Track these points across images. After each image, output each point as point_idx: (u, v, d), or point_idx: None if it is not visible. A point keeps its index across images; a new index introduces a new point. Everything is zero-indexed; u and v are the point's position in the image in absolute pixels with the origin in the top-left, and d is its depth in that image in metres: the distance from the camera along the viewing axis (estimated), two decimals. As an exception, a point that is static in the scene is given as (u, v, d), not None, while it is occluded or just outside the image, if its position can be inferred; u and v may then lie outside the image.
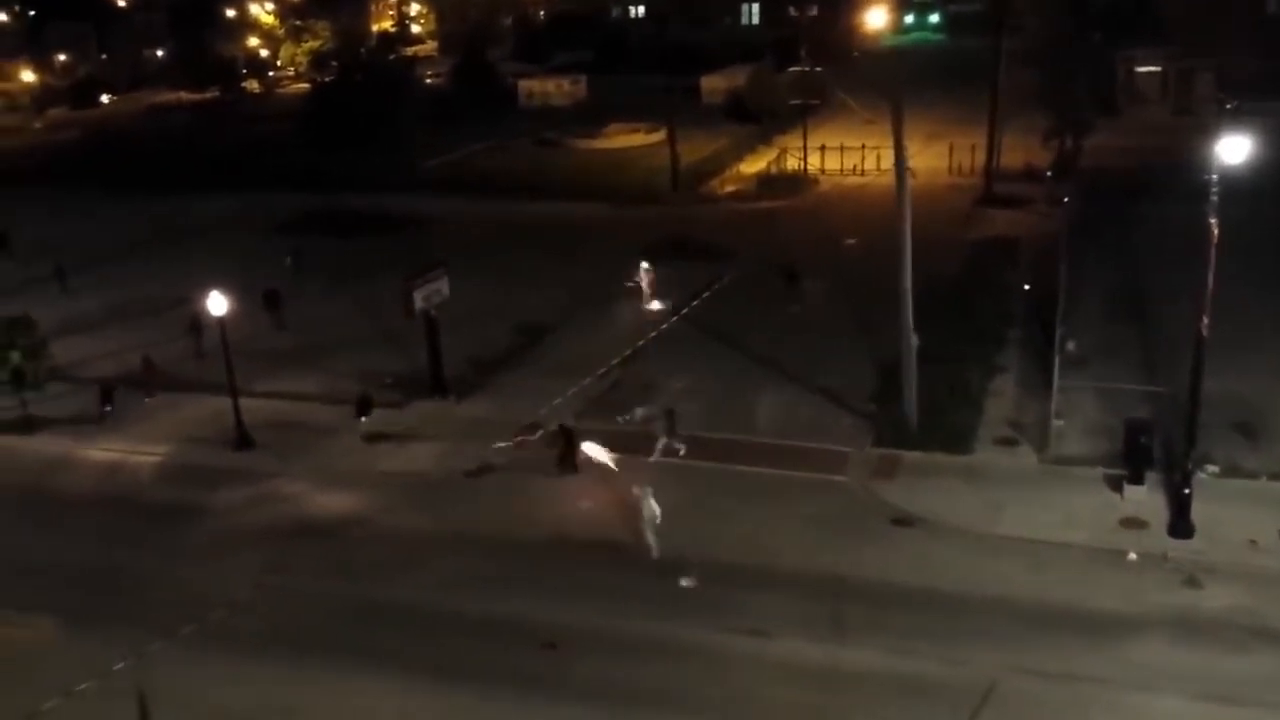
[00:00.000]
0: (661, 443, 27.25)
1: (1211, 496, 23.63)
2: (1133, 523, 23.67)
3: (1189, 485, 23.15)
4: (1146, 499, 24.27)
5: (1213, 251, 21.84)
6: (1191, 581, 21.56)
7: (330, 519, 25.42)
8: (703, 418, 29.03)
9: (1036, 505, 24.44)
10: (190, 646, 20.85)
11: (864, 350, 32.41)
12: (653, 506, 22.93)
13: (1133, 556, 22.54)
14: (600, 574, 22.60)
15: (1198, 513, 23.01)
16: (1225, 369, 25.55)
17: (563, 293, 39.01)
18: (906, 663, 19.55)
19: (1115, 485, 24.85)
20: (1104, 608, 20.81)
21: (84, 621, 21.76)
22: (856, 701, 18.72)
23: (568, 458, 26.88)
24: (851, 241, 43.56)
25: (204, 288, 29.09)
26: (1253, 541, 22.49)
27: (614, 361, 33.02)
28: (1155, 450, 24.79)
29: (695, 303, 37.60)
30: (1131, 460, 24.75)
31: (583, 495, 25.61)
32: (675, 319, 36.41)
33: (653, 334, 35.10)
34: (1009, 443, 27.43)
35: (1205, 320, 22.40)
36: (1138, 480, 24.61)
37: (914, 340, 27.69)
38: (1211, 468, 25.07)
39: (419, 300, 30.40)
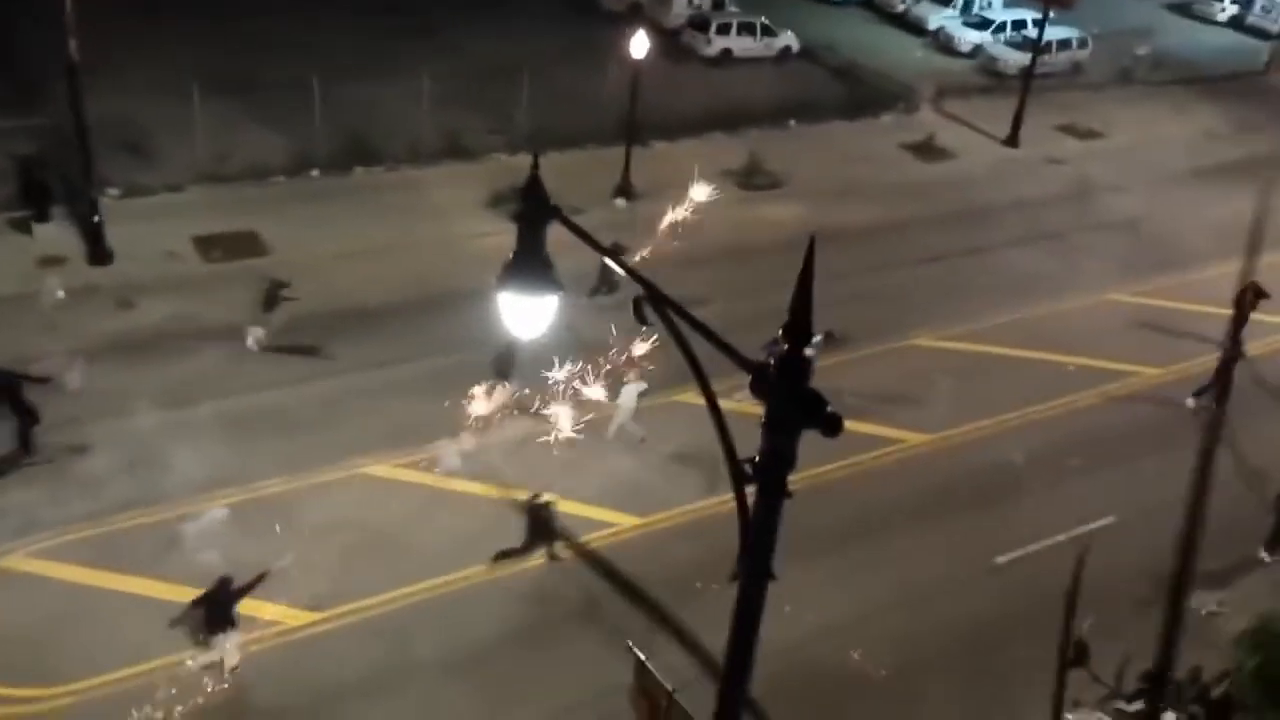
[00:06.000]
0: None
1: (121, 218, 24.28)
2: (52, 261, 23.31)
3: (97, 212, 23.43)
4: (59, 234, 24.02)
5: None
6: (125, 303, 22.34)
7: None
8: None
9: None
10: None
11: None
12: None
13: (61, 294, 22.28)
14: None
15: (113, 236, 23.57)
16: (105, 90, 25.46)
17: None
18: None
19: (24, 227, 24.03)
20: (49, 348, 20.41)
21: None
22: None
23: None
24: None
25: None
26: (171, 253, 23.96)
27: None
28: (55, 184, 24.32)
29: None
30: (32, 199, 24.12)
31: None
32: None
33: None
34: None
35: (74, 44, 21.97)
36: (44, 218, 24.19)
37: None
38: (113, 190, 25.57)
39: None
